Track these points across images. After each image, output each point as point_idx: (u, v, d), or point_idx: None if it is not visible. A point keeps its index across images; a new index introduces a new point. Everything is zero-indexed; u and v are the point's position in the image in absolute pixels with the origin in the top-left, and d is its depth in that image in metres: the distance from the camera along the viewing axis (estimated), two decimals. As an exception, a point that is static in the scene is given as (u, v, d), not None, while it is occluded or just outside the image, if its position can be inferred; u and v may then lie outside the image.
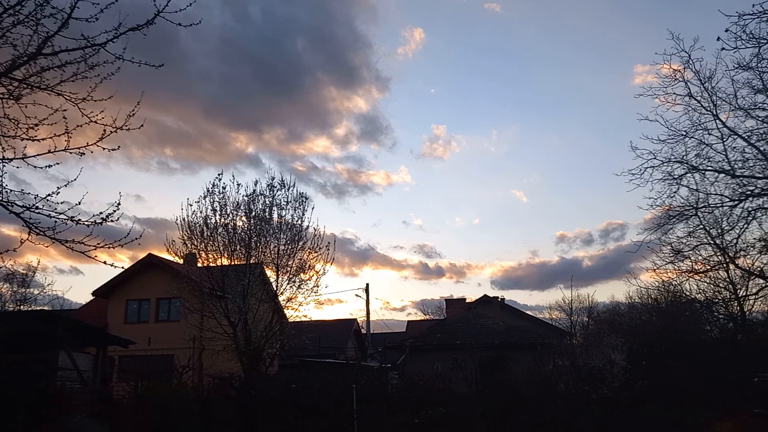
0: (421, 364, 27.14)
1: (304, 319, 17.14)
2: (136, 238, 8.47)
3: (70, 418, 14.58)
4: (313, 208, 16.99)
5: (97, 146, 7.94)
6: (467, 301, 40.40)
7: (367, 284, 37.33)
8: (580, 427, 16.46)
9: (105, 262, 8.10)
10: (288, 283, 16.08)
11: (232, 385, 17.81)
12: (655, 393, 17.31)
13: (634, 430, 15.79)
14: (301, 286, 16.16)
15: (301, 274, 16.16)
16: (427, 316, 61.01)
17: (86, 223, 7.51)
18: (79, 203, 7.66)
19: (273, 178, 16.29)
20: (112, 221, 7.75)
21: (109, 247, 8.07)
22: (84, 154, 7.99)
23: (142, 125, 9.10)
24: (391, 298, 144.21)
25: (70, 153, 7.82)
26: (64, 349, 16.33)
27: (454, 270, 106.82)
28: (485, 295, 39.74)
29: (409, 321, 55.79)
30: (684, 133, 16.80)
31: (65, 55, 7.68)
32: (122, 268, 8.53)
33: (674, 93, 16.70)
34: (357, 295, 36.64)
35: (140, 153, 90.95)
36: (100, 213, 7.48)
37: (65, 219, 7.49)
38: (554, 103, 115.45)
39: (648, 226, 19.91)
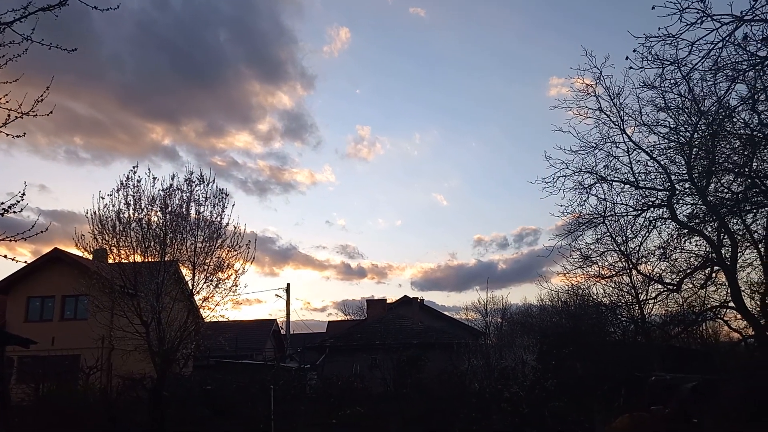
0: (341, 365, 27.16)
1: (221, 319, 16.70)
2: (41, 231, 8.02)
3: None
4: (233, 205, 16.64)
5: (0, 132, 7.44)
6: (388, 301, 40.82)
7: (288, 284, 36.94)
8: (492, 425, 17.04)
9: (5, 256, 7.59)
10: (205, 282, 15.64)
11: (144, 387, 17.17)
12: (561, 391, 18.14)
13: (541, 427, 16.53)
14: (219, 286, 15.74)
15: (219, 273, 15.77)
16: (348, 317, 61.09)
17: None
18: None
19: (191, 173, 15.82)
20: (14, 212, 7.29)
21: (9, 240, 7.60)
22: (-18, 139, 7.50)
23: (51, 112, 8.62)
24: (313, 299, 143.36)
25: (-32, 138, 7.30)
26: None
27: (376, 271, 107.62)
28: (405, 296, 40.33)
29: (329, 321, 55.70)
30: (594, 145, 17.84)
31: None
32: (24, 262, 8.00)
33: (586, 106, 17.72)
34: (277, 295, 36.17)
35: (46, 140, 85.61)
36: (1, 203, 6.99)
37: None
38: (473, 109, 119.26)
39: (559, 232, 21.00)
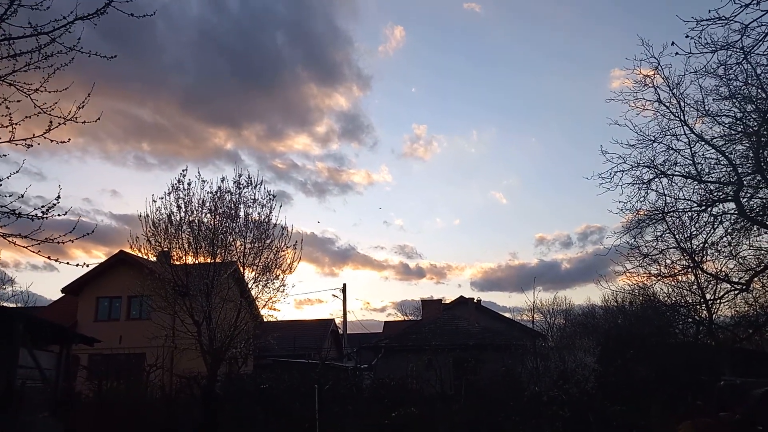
0: (396, 365, 27.02)
1: (271, 318, 16.95)
2: (88, 233, 8.34)
3: (28, 417, 14.29)
4: (281, 207, 16.85)
5: (45, 138, 7.75)
6: (445, 302, 40.44)
7: (344, 284, 37.17)
8: (546, 428, 16.52)
9: (50, 257, 7.88)
10: (254, 282, 15.91)
11: (198, 385, 17.61)
12: (622, 395, 17.41)
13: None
14: (267, 285, 15.99)
15: (268, 273, 15.99)
16: (406, 317, 61.00)
17: (28, 216, 7.31)
18: (23, 196, 7.45)
19: (240, 175, 16.13)
20: (57, 215, 7.57)
21: (58, 242, 7.89)
22: (31, 145, 7.82)
23: (98, 118, 8.96)
24: (372, 299, 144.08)
25: (16, 144, 7.63)
26: (26, 347, 15.98)
27: (435, 271, 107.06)
28: (461, 296, 39.87)
29: (386, 322, 55.73)
30: (653, 139, 17.01)
31: (20, 45, 7.52)
32: (85, 265, 8.33)
33: (644, 98, 16.92)
34: (334, 296, 36.47)
35: (116, 147, 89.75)
36: (43, 206, 7.27)
37: (8, 212, 7.28)
38: (531, 106, 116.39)
39: (621, 229, 20.10)
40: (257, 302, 16.14)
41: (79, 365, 21.81)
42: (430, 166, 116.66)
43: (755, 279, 17.24)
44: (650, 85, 16.48)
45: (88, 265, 8.91)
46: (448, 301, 40.07)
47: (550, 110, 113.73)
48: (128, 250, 29.14)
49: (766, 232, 16.48)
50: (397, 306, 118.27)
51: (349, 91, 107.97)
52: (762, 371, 17.13)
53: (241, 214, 15.97)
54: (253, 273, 15.92)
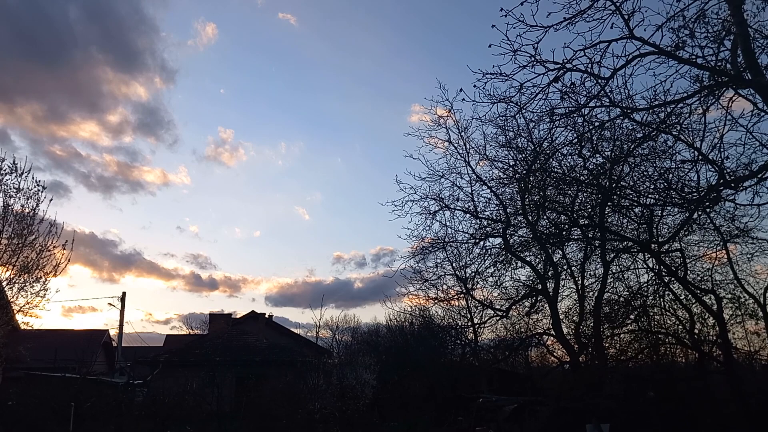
0: (176, 382, 25.41)
1: (27, 327, 14.87)
2: None
3: None
4: (51, 200, 14.89)
5: None
6: (235, 316, 39.38)
7: (124, 292, 34.32)
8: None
9: None
10: (9, 283, 13.85)
11: None
12: (396, 410, 18.43)
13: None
14: (26, 288, 14.04)
15: (27, 275, 14.05)
16: (191, 331, 58.01)
17: None
18: None
19: (2, 160, 14.02)
20: None
21: None
22: None
23: None
24: (155, 310, 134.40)
25: None
26: None
27: (229, 283, 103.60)
28: (253, 311, 39.21)
29: (168, 335, 52.46)
30: (441, 174, 18.67)
31: None
32: None
33: (437, 137, 18.61)
34: (110, 304, 33.44)
35: None
36: None
37: None
38: (340, 126, 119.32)
39: (408, 255, 21.65)
40: (12, 306, 14.04)
41: None
42: (234, 173, 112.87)
43: (513, 307, 19.64)
44: (443, 125, 18.15)
45: None
46: (239, 316, 39.16)
47: (355, 133, 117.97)
48: None
49: (522, 267, 18.90)
50: (183, 319, 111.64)
51: (151, 81, 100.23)
52: (514, 389, 19.39)
53: (0, 204, 13.87)
54: (9, 272, 13.87)
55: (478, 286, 20.62)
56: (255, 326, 35.74)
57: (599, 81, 9.82)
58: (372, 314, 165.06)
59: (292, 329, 43.09)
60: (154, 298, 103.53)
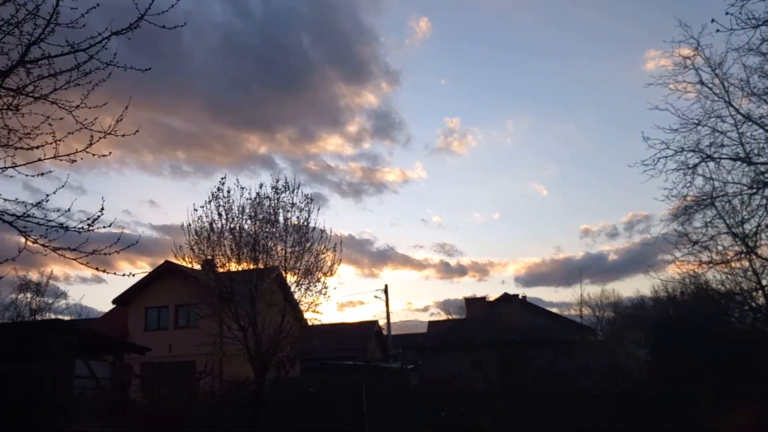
0: (441, 364, 26.91)
1: (315, 322, 17.08)
2: (132, 244, 8.48)
3: (85, 424, 14.72)
4: (318, 210, 16.94)
5: (87, 153, 7.95)
6: (488, 299, 40.02)
7: (386, 285, 37.24)
8: (598, 422, 16.17)
9: (97, 268, 8.07)
10: (296, 286, 16.07)
11: (247, 389, 17.89)
12: (673, 385, 16.95)
13: (650, 423, 15.49)
14: (310, 288, 16.14)
15: (309, 277, 16.13)
16: (450, 316, 60.61)
17: (76, 229, 7.50)
18: (69, 210, 7.64)
19: (278, 181, 16.34)
20: (102, 227, 7.75)
21: (104, 254, 8.07)
22: (75, 161, 8.02)
23: (137, 131, 9.08)
24: (414, 299, 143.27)
25: (60, 160, 7.85)
26: (81, 358, 16.52)
27: (477, 268, 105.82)
28: (506, 293, 39.29)
29: (430, 321, 55.53)
30: (697, 122, 16.42)
31: (59, 63, 7.72)
32: (131, 275, 8.51)
33: (685, 81, 16.37)
34: (376, 297, 36.58)
35: (152, 157, 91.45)
36: (88, 219, 7.45)
37: (56, 226, 7.49)
38: (565, 92, 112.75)
39: (667, 217, 19.48)
40: (300, 306, 16.28)
41: (132, 373, 22.43)
42: (465, 160, 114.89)
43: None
44: (690, 66, 15.97)
45: (134, 275, 9.12)
46: (492, 299, 39.65)
47: (584, 95, 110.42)
48: (173, 260, 29.98)
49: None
50: (440, 305, 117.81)
51: (378, 87, 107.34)
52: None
53: (281, 219, 16.19)
54: (295, 277, 16.08)
55: (763, 242, 17.73)
56: (510, 308, 35.87)
57: None
58: (632, 287, 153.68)
59: (548, 309, 42.39)
60: (411, 288, 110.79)
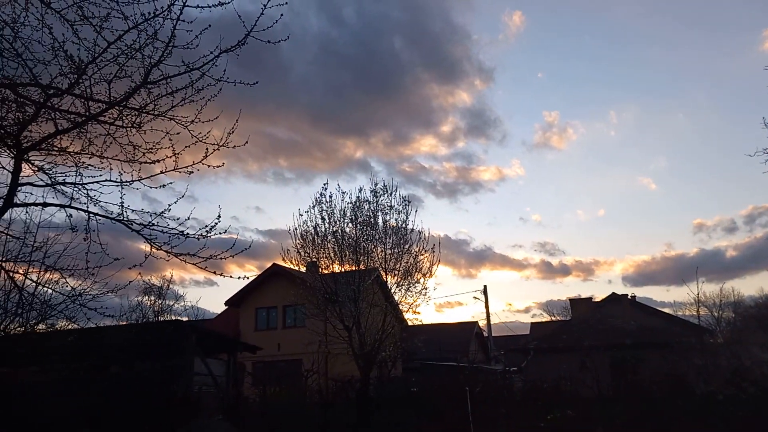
0: (546, 367, 26.19)
1: (416, 322, 17.25)
2: (245, 249, 8.97)
3: (205, 419, 15.70)
4: (416, 211, 17.06)
5: (203, 164, 8.51)
6: (594, 300, 38.51)
7: (485, 286, 36.77)
8: (726, 430, 15.08)
9: (215, 272, 8.57)
10: (396, 287, 16.32)
11: (353, 388, 18.31)
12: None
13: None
14: (410, 289, 16.32)
15: (409, 278, 16.31)
16: (553, 318, 58.89)
17: (195, 236, 8.04)
18: (189, 218, 8.21)
19: (376, 184, 16.68)
20: (219, 234, 8.25)
21: (220, 259, 8.59)
22: (192, 172, 8.60)
23: (246, 142, 9.59)
24: (514, 300, 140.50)
25: (179, 172, 8.45)
26: (199, 356, 17.62)
27: (581, 267, 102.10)
28: (613, 293, 37.65)
29: (532, 323, 54.18)
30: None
31: (176, 82, 8.32)
32: (245, 278, 9.02)
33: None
34: (475, 297, 36.17)
35: (256, 166, 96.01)
36: (205, 227, 7.97)
37: (177, 234, 8.07)
38: (673, 80, 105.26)
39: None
40: (401, 306, 16.51)
41: (245, 372, 23.67)
42: (566, 155, 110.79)
43: None
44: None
45: (248, 278, 9.65)
46: (598, 299, 38.12)
47: (694, 82, 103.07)
48: (280, 263, 31.28)
49: None
50: (543, 306, 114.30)
51: (472, 86, 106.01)
52: None
53: (380, 221, 16.51)
54: (395, 278, 16.34)
55: None
56: (618, 308, 34.33)
57: None
58: (755, 285, 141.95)
59: (659, 309, 40.11)
60: (511, 289, 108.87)
